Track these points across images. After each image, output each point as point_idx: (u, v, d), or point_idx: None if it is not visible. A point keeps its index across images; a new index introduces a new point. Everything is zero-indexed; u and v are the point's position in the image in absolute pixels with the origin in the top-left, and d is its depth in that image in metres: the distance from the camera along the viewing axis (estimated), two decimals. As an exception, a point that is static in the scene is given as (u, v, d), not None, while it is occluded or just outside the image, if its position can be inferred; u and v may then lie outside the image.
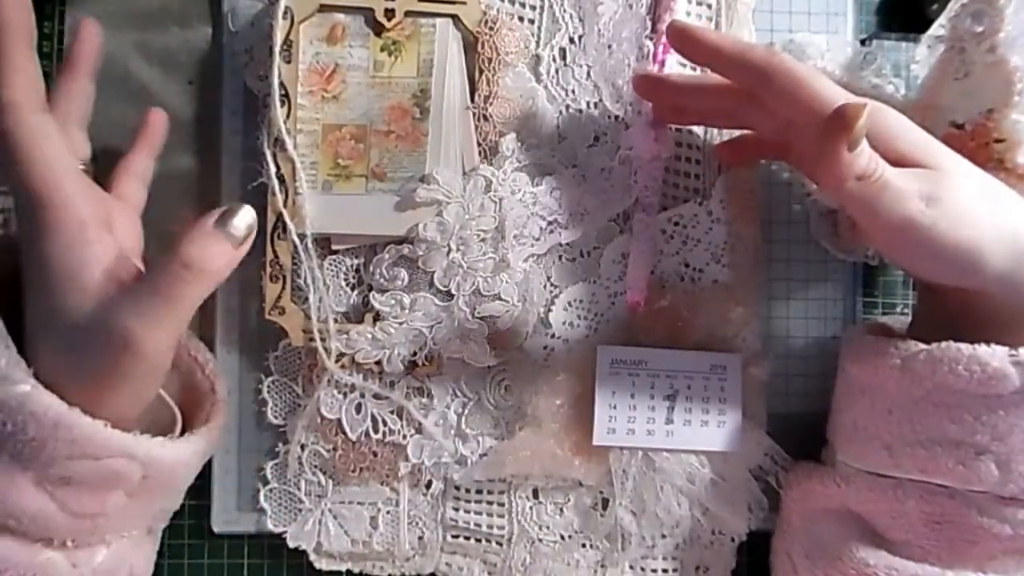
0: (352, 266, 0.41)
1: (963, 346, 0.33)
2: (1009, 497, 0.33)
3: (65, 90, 0.36)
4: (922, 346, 0.34)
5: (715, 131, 0.42)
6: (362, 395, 0.41)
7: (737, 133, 0.42)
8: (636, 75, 0.40)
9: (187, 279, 0.31)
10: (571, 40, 0.42)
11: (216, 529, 0.42)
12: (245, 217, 0.33)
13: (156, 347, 0.31)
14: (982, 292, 0.33)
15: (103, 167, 0.39)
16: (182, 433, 0.36)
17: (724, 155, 0.41)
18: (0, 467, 0.31)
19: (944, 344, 0.33)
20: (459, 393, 0.42)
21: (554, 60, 0.42)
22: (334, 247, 0.41)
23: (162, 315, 0.31)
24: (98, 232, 0.32)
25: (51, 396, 0.31)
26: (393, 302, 0.40)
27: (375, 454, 0.42)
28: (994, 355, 0.32)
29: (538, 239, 0.41)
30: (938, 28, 0.39)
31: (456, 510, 0.42)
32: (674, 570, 0.42)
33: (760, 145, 0.41)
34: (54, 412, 0.30)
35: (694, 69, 0.42)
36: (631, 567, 0.42)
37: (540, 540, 0.42)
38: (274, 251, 0.40)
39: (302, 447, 0.42)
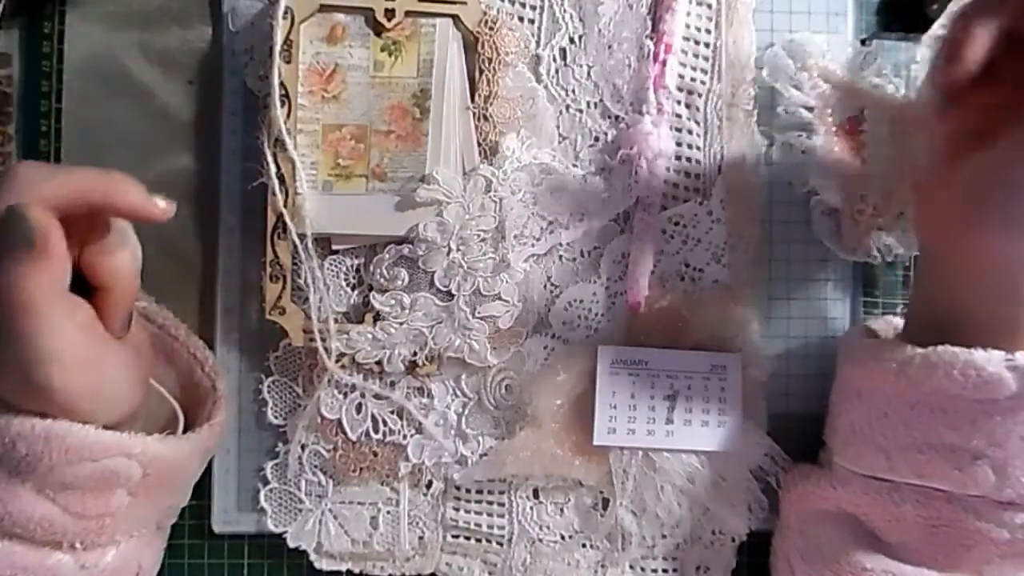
0: (352, 266, 0.41)
1: (959, 351, 0.32)
2: (1006, 502, 0.33)
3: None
4: (918, 350, 0.34)
5: (716, 131, 0.42)
6: (362, 395, 0.41)
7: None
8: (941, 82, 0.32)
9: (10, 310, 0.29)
10: (571, 40, 0.42)
11: (216, 529, 0.42)
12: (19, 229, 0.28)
13: (55, 345, 0.29)
14: (995, 278, 0.33)
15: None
16: (185, 430, 0.36)
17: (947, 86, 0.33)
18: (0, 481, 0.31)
19: (940, 349, 0.33)
20: (459, 393, 0.42)
21: (554, 60, 0.42)
22: (334, 247, 0.41)
23: (28, 333, 0.29)
24: None
25: (32, 417, 0.30)
26: (393, 302, 0.40)
27: (375, 454, 0.42)
28: (990, 360, 0.32)
29: (538, 239, 0.41)
30: (939, 28, 0.39)
31: (456, 510, 0.42)
32: (674, 570, 0.42)
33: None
34: (41, 427, 0.30)
35: (695, 69, 0.42)
36: (631, 567, 0.42)
37: (540, 540, 0.42)
38: (274, 251, 0.40)
39: (302, 447, 0.42)
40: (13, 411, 0.31)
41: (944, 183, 0.34)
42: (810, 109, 0.42)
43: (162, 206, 0.32)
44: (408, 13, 0.40)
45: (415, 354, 0.41)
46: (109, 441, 0.32)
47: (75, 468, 0.31)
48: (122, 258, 0.32)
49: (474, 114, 0.41)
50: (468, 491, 0.42)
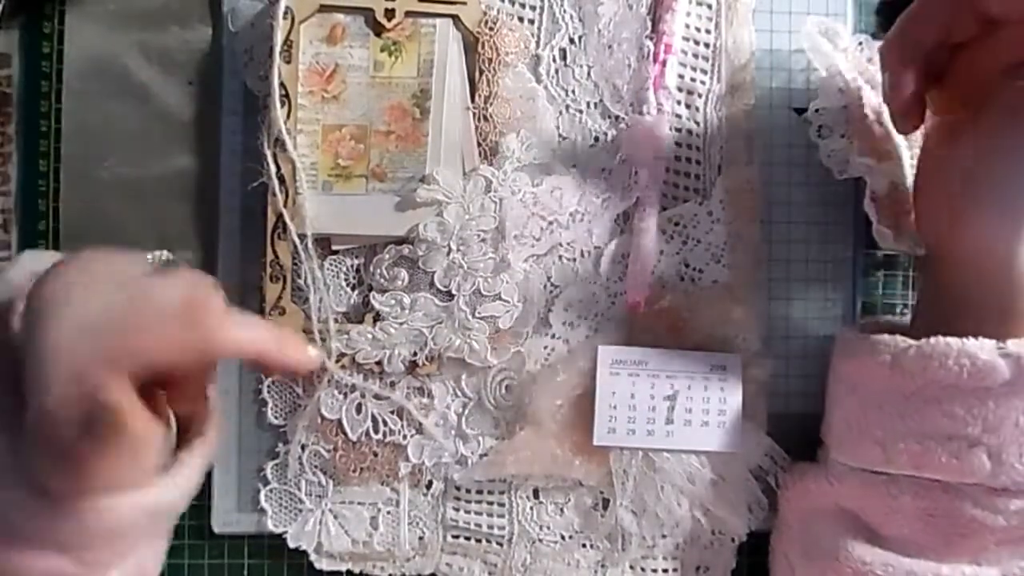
0: (352, 266, 0.41)
1: (952, 340, 0.33)
2: (1001, 488, 0.33)
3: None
4: (911, 342, 0.34)
5: (715, 131, 0.42)
6: (362, 395, 0.41)
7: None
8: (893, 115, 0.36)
9: None
10: (571, 40, 0.42)
11: (216, 529, 0.42)
12: None
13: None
14: (983, 275, 0.33)
15: (105, 168, 0.40)
16: (178, 436, 0.36)
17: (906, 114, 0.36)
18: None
19: (933, 340, 0.34)
20: (459, 393, 0.42)
21: (554, 60, 0.42)
22: (334, 247, 0.41)
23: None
24: None
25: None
26: (393, 302, 0.40)
27: (375, 454, 0.42)
28: (983, 348, 0.33)
29: (538, 239, 0.41)
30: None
31: (456, 510, 0.42)
32: (674, 570, 0.42)
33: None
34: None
35: (695, 69, 0.42)
36: (631, 567, 0.42)
37: (540, 540, 0.42)
38: (274, 251, 0.40)
39: (302, 447, 0.42)
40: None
41: (933, 176, 0.35)
42: (841, 92, 0.41)
43: (314, 355, 0.32)
44: (408, 13, 0.40)
45: (415, 354, 0.41)
46: (126, 510, 0.30)
47: (92, 536, 0.30)
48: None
49: (474, 114, 0.41)
50: (468, 491, 0.42)
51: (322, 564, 0.42)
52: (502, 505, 0.42)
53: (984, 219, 0.34)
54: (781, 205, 0.43)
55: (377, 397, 0.41)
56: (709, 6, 0.42)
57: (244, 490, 0.42)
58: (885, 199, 0.41)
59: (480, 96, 0.41)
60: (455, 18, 0.40)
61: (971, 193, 0.34)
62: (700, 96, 0.42)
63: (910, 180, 0.40)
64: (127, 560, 0.33)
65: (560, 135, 0.42)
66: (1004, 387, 0.33)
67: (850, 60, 0.41)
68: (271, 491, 0.42)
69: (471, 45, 0.41)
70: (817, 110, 0.41)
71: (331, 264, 0.41)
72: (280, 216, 0.39)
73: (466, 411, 0.42)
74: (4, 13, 0.41)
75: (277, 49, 0.39)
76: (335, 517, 0.42)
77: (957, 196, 0.34)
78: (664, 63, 0.41)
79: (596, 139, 0.42)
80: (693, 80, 0.42)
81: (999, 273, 0.34)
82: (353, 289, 0.42)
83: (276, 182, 0.39)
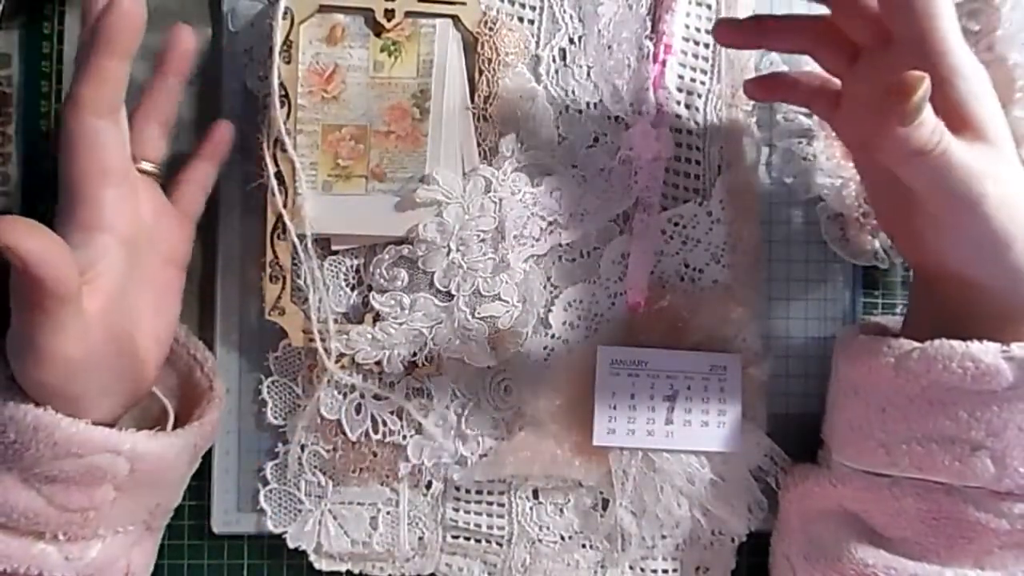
0: (352, 266, 0.41)
1: (956, 343, 0.33)
2: (1005, 492, 0.33)
3: (151, 89, 0.37)
4: (915, 344, 0.34)
5: (715, 131, 0.42)
6: (362, 396, 0.41)
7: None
8: (717, 27, 0.38)
9: None
10: (571, 40, 0.42)
11: (216, 529, 0.42)
12: None
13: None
14: (980, 286, 0.33)
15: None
16: (175, 428, 0.37)
17: (752, 90, 0.40)
18: None
19: (937, 342, 0.33)
20: (459, 394, 0.42)
21: (554, 60, 0.42)
22: (334, 247, 0.41)
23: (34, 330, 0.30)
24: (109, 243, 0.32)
25: (26, 403, 0.31)
26: (393, 302, 0.40)
27: (375, 455, 0.42)
28: (986, 351, 0.32)
29: (538, 239, 0.41)
30: None
31: (456, 511, 0.42)
32: (674, 570, 0.42)
33: (797, 89, 0.38)
34: (32, 415, 0.31)
35: (695, 70, 0.42)
36: (631, 568, 0.42)
37: (540, 541, 0.42)
38: (274, 251, 0.40)
39: (302, 447, 0.42)
40: (11, 394, 0.31)
41: (897, 207, 0.35)
42: (809, 115, 0.42)
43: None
44: (408, 13, 0.40)
45: (415, 354, 0.41)
46: (97, 438, 0.32)
47: (61, 462, 0.31)
48: None
49: (474, 114, 0.41)
50: (468, 491, 0.42)
51: (321, 564, 0.42)
52: (502, 505, 0.42)
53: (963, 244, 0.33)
54: (781, 205, 0.43)
55: (377, 397, 0.41)
56: (709, 6, 0.42)
57: (244, 490, 0.42)
58: (853, 215, 0.42)
59: (480, 96, 0.41)
60: (455, 18, 0.40)
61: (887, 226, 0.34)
62: (700, 96, 0.42)
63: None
64: (107, 541, 0.34)
65: (560, 135, 0.42)
66: (1008, 391, 0.32)
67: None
68: (271, 491, 0.42)
69: (471, 45, 0.41)
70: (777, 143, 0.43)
71: (331, 264, 0.41)
72: (280, 216, 0.39)
73: (466, 411, 0.42)
74: (4, 13, 0.41)
75: (277, 49, 0.39)
76: (334, 517, 0.42)
77: (928, 226, 0.33)
78: (664, 63, 0.41)
79: (596, 139, 0.42)
80: (693, 80, 0.42)
81: (993, 282, 0.33)
82: (353, 289, 0.41)
83: (276, 182, 0.39)
